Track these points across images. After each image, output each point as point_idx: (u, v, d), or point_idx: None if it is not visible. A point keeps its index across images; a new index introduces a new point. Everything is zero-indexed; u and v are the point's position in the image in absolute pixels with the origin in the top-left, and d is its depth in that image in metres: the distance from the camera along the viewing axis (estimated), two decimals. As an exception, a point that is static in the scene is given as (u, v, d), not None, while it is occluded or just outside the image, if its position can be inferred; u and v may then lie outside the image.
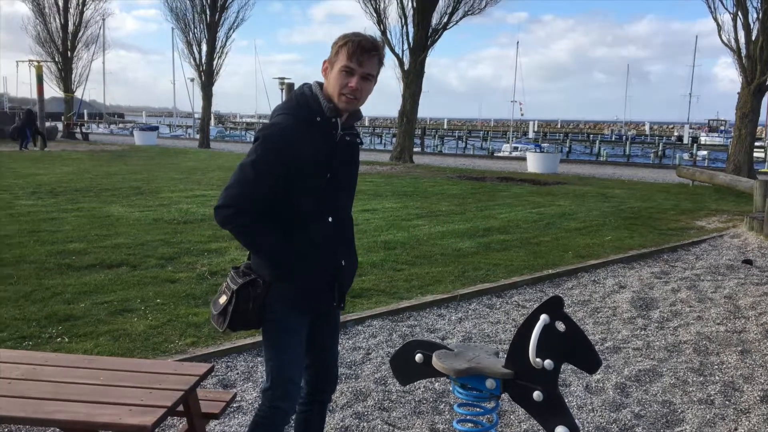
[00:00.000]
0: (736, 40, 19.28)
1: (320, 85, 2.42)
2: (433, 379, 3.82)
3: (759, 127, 23.39)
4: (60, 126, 39.01)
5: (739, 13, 19.08)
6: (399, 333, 4.91)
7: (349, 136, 2.45)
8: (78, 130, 37.83)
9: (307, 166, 2.32)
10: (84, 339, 4.47)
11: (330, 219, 2.42)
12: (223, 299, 2.42)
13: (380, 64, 2.39)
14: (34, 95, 29.10)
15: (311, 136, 2.33)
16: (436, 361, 2.46)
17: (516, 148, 41.52)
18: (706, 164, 34.79)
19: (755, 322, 5.39)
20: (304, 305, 2.44)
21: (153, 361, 3.81)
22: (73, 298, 5.36)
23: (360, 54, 2.31)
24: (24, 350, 4.05)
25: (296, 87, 2.50)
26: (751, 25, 19.01)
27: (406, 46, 25.31)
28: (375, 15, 25.77)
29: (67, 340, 4.45)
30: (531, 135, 67.30)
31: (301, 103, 2.38)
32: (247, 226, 2.33)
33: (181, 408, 2.45)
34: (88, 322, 4.81)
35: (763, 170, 26.01)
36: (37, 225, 8.59)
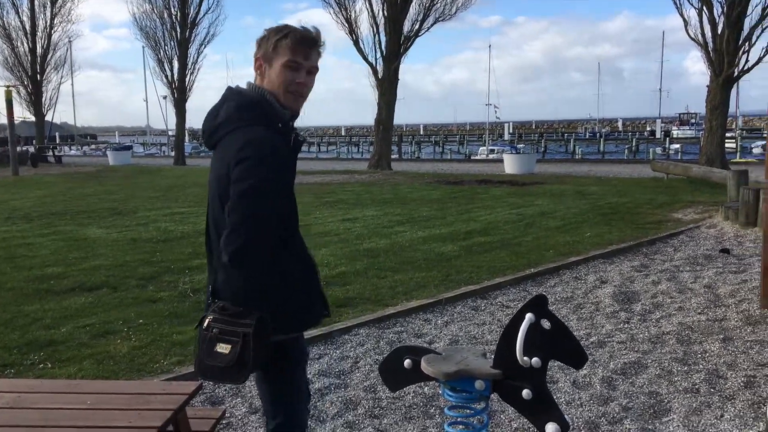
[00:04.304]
0: (703, 34, 19.66)
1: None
2: (423, 383, 3.82)
3: (729, 119, 23.84)
4: (31, 150, 38.56)
5: (704, 8, 19.46)
6: (386, 340, 4.91)
7: (300, 136, 2.27)
8: (51, 153, 37.45)
9: (291, 178, 2.20)
10: (67, 364, 4.40)
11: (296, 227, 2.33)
12: (225, 348, 2.10)
13: (319, 56, 2.24)
14: (3, 120, 28.83)
15: (284, 146, 2.18)
16: (425, 366, 2.46)
17: (492, 151, 41.85)
18: (679, 157, 35.28)
19: (735, 309, 5.48)
20: (306, 325, 2.32)
21: (140, 382, 3.77)
22: (53, 323, 5.28)
23: (305, 46, 2.17)
24: (7, 378, 3.99)
25: (232, 90, 2.24)
26: (717, 19, 19.39)
27: (378, 54, 25.45)
28: (347, 25, 25.90)
29: (50, 365, 4.38)
30: (507, 137, 67.89)
31: (268, 111, 2.15)
32: (265, 261, 2.10)
33: (171, 428, 2.42)
34: (71, 346, 4.75)
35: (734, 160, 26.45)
36: (13, 251, 8.46)
